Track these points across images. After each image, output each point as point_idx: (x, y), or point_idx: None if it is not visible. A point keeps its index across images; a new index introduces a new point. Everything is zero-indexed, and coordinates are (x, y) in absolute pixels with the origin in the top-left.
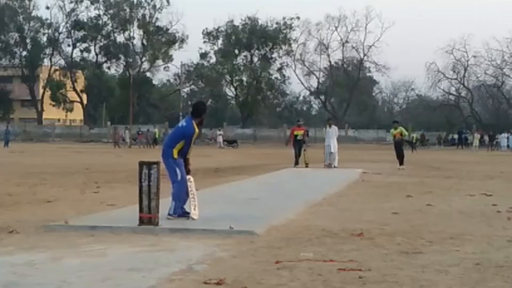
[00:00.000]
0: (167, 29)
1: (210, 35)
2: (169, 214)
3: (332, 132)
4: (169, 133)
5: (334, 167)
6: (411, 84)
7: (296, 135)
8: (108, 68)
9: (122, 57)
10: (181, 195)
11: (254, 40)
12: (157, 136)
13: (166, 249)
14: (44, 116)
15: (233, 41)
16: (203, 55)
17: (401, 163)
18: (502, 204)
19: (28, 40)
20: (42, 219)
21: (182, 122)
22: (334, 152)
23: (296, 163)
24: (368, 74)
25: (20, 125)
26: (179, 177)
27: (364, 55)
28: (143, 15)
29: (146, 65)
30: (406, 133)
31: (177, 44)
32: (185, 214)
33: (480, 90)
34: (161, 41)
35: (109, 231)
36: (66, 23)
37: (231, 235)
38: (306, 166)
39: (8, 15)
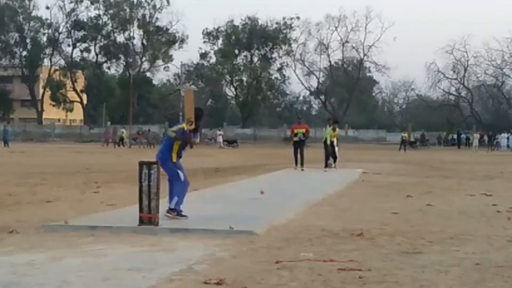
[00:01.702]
0: (167, 29)
1: (210, 35)
2: (170, 209)
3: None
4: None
5: (334, 167)
6: (411, 84)
7: (297, 134)
8: (108, 68)
9: (122, 57)
10: (183, 193)
11: (254, 40)
12: (124, 136)
13: (166, 249)
14: (44, 116)
15: (233, 41)
16: (203, 55)
17: (327, 163)
18: (502, 204)
19: (28, 40)
20: (42, 219)
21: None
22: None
23: (298, 163)
24: (368, 74)
25: (20, 125)
26: (182, 179)
27: (364, 55)
28: (143, 15)
29: (146, 65)
30: (332, 136)
31: (177, 44)
32: (182, 215)
33: (480, 90)
34: (161, 41)
35: (109, 231)
36: (66, 23)
37: (231, 235)
38: (302, 164)
39: (8, 15)
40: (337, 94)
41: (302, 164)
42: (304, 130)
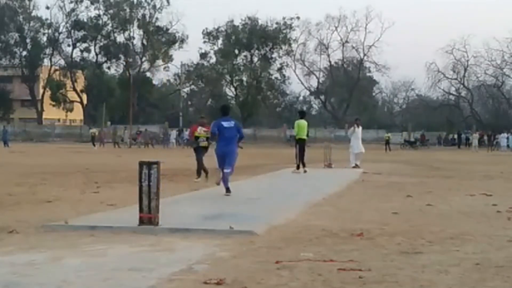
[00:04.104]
0: (167, 29)
1: (210, 35)
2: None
3: (360, 132)
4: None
5: (357, 166)
6: (411, 84)
7: (198, 137)
8: (108, 68)
9: (122, 57)
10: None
11: (254, 40)
12: (96, 136)
13: (166, 249)
14: (44, 116)
15: (233, 41)
16: (203, 55)
17: (303, 165)
18: (502, 204)
19: (28, 40)
20: (42, 219)
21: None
22: (361, 153)
23: (198, 173)
24: (368, 74)
25: (20, 125)
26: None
27: (364, 55)
28: (143, 15)
29: (146, 65)
30: (299, 131)
31: (177, 44)
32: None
33: (480, 90)
34: (161, 41)
35: (109, 231)
36: (66, 23)
37: (231, 235)
38: (206, 175)
39: (8, 15)
40: (337, 94)
41: (204, 172)
42: (206, 134)
